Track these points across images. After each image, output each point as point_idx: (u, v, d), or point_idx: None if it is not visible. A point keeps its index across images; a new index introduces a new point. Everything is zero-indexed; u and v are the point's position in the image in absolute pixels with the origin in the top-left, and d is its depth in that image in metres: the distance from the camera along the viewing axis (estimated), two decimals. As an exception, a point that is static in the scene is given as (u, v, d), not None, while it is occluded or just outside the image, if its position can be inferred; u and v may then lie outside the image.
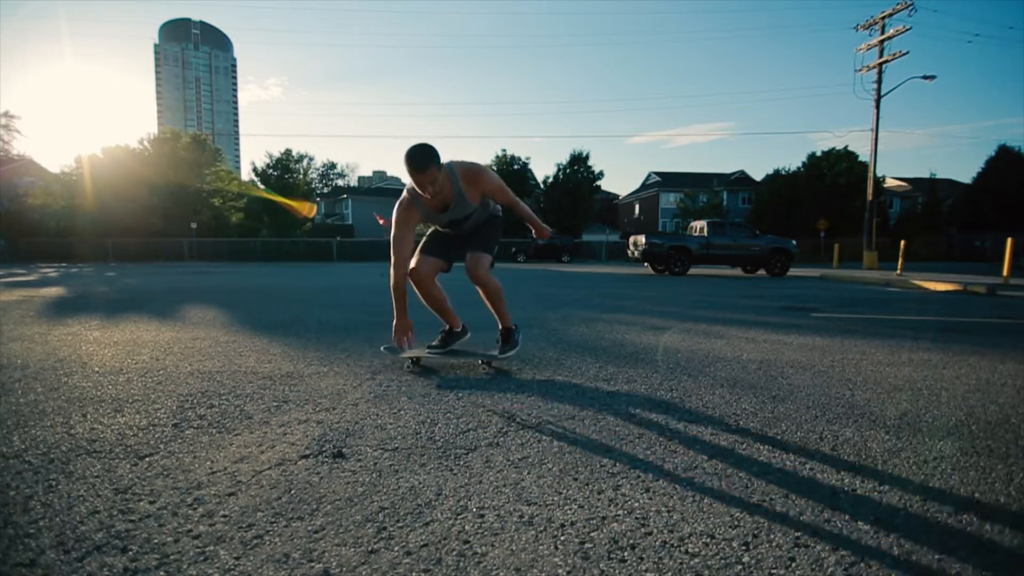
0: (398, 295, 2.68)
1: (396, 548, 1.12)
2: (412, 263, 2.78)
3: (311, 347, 3.37)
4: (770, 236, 15.04)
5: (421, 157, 2.42)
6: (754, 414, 2.06)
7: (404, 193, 2.71)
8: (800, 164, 37.53)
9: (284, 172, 35.78)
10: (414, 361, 2.90)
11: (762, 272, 14.72)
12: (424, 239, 2.93)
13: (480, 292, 2.88)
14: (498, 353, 2.89)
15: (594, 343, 3.62)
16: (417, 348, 2.93)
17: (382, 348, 3.03)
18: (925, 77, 18.66)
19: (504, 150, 38.90)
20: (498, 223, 2.99)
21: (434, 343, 3.03)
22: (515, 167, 37.86)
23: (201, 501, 1.32)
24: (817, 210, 32.02)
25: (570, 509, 1.30)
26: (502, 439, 1.77)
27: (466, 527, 1.21)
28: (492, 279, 2.84)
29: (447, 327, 3.06)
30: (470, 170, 2.67)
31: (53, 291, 7.95)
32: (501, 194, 2.80)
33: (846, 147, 36.41)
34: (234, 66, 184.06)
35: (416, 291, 2.85)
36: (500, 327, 2.99)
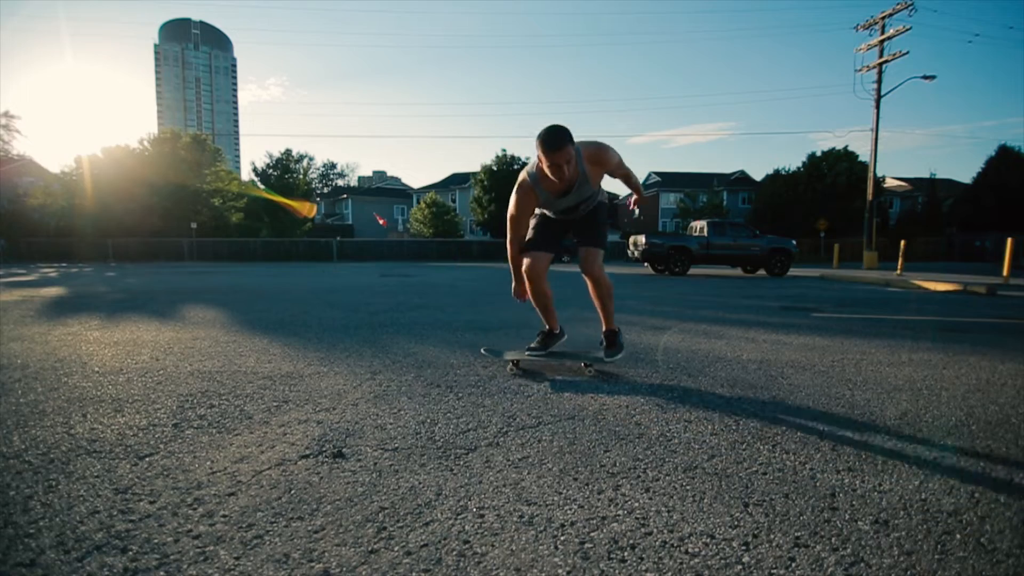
0: (515, 266, 2.73)
1: (396, 548, 1.12)
2: (527, 260, 2.69)
3: (311, 347, 3.37)
4: (770, 236, 15.03)
5: (558, 136, 2.30)
6: (754, 414, 2.06)
7: (523, 176, 2.56)
8: (800, 164, 37.55)
9: (284, 172, 35.81)
10: (515, 363, 2.84)
11: (762, 272, 14.72)
12: (533, 231, 2.76)
13: (590, 288, 2.76)
14: (604, 356, 2.76)
15: (594, 343, 3.62)
16: (516, 351, 2.93)
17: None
18: (925, 77, 18.66)
19: (504, 150, 38.94)
20: (605, 211, 2.83)
21: (533, 345, 2.94)
22: (515, 167, 37.86)
23: (201, 501, 1.32)
24: (817, 210, 32.03)
25: (570, 509, 1.30)
26: (502, 439, 1.77)
27: (466, 527, 1.21)
28: (606, 276, 2.71)
29: (546, 328, 2.94)
30: (596, 150, 2.51)
31: (53, 291, 7.95)
32: (621, 168, 2.68)
33: (846, 147, 36.43)
34: (234, 66, 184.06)
35: (528, 286, 2.74)
36: (604, 328, 2.83)
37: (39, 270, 16.25)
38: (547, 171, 2.39)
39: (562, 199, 2.59)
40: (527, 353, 2.87)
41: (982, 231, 32.50)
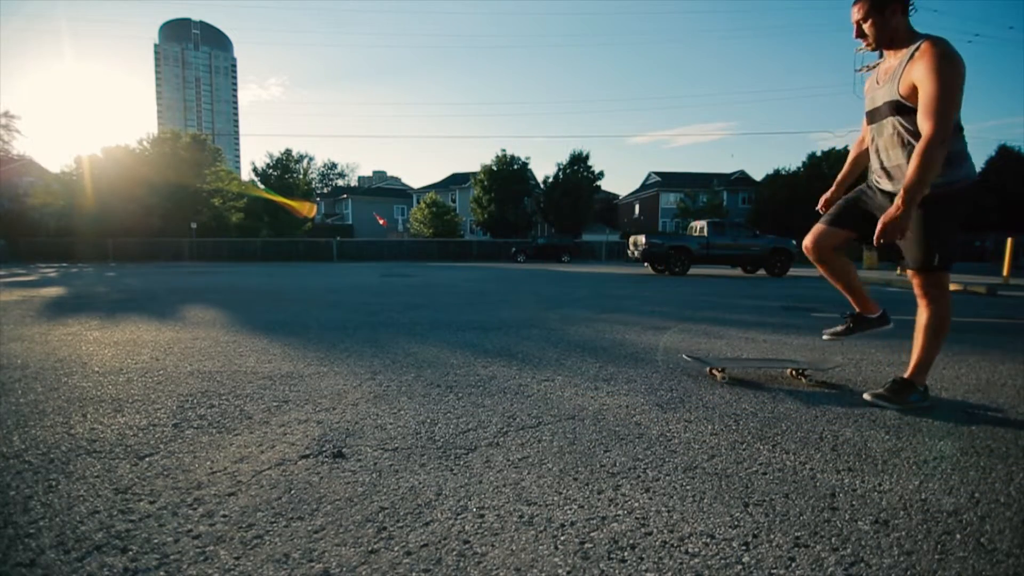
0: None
1: (396, 548, 1.12)
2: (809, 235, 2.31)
3: (311, 347, 3.37)
4: (770, 236, 15.02)
5: None
6: (754, 414, 2.06)
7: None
8: (800, 164, 37.56)
9: (284, 172, 35.81)
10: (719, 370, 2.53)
11: (762, 272, 14.72)
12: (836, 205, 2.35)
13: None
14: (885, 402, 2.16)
15: (594, 343, 3.62)
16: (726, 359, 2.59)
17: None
18: (925, 77, 18.62)
19: (504, 150, 38.94)
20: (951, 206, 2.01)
21: (838, 329, 2.53)
22: (515, 167, 37.88)
23: (201, 501, 1.32)
24: (817, 210, 32.00)
25: (570, 509, 1.30)
26: (502, 439, 1.77)
27: (466, 527, 1.21)
28: (943, 307, 2.10)
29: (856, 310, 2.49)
30: (932, 48, 1.84)
31: (53, 291, 7.95)
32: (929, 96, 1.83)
33: (846, 147, 36.39)
34: (234, 66, 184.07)
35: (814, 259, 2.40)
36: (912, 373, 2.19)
37: (39, 270, 16.25)
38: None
39: (876, 90, 2.07)
40: (828, 336, 2.51)
41: (982, 231, 32.49)
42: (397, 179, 64.21)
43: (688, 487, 1.42)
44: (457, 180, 51.91)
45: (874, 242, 1.93)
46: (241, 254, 30.32)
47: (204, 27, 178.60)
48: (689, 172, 50.52)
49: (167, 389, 2.35)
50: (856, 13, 1.98)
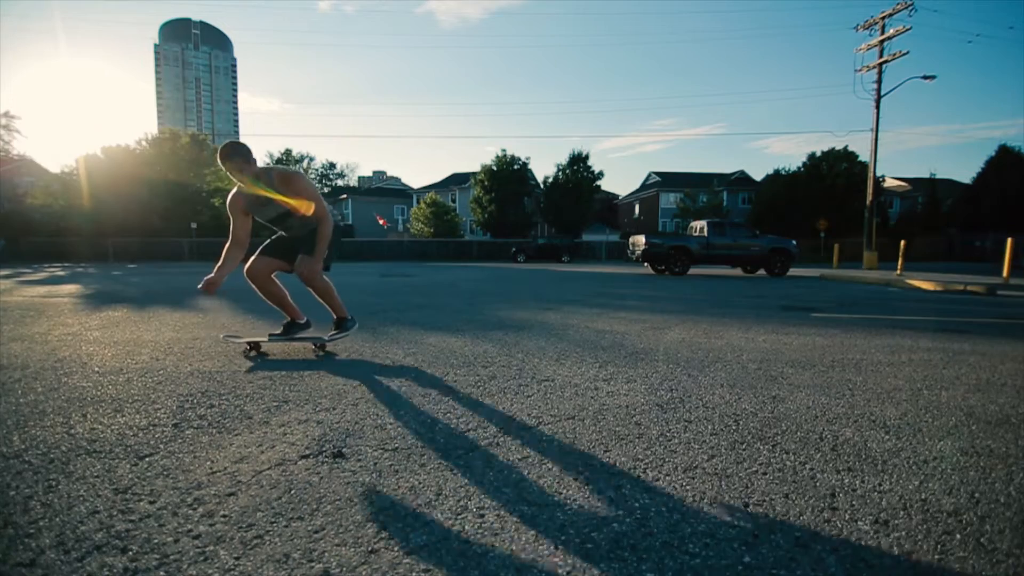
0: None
1: (396, 548, 1.12)
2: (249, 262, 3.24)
3: (311, 347, 3.37)
4: (770, 236, 15.01)
5: (230, 149, 2.87)
6: (754, 414, 2.06)
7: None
8: (800, 164, 37.55)
9: (284, 172, 35.74)
10: (252, 346, 3.23)
11: (762, 272, 14.72)
12: (267, 241, 3.30)
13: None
14: (328, 337, 3.27)
15: (594, 343, 3.62)
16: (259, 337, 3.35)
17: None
18: (925, 77, 18.65)
19: (504, 150, 38.91)
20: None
21: (277, 332, 3.37)
22: (515, 167, 37.86)
23: (201, 501, 1.32)
24: (817, 210, 32.00)
25: (570, 509, 1.30)
26: (502, 439, 1.77)
27: (466, 527, 1.21)
28: (322, 279, 3.22)
29: (287, 319, 3.41)
30: (282, 172, 2.99)
31: (72, 288, 7.95)
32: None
33: (846, 147, 36.42)
34: (234, 66, 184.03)
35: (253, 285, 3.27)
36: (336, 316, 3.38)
37: (44, 269, 16.25)
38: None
39: (262, 208, 3.06)
40: (269, 338, 3.30)
41: (982, 231, 32.48)
42: (397, 179, 64.20)
43: (688, 487, 1.42)
44: (457, 180, 51.90)
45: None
46: (241, 254, 30.27)
47: (204, 27, 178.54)
48: (689, 172, 50.51)
49: (167, 389, 2.35)
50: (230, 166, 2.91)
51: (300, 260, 3.11)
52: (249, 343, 3.22)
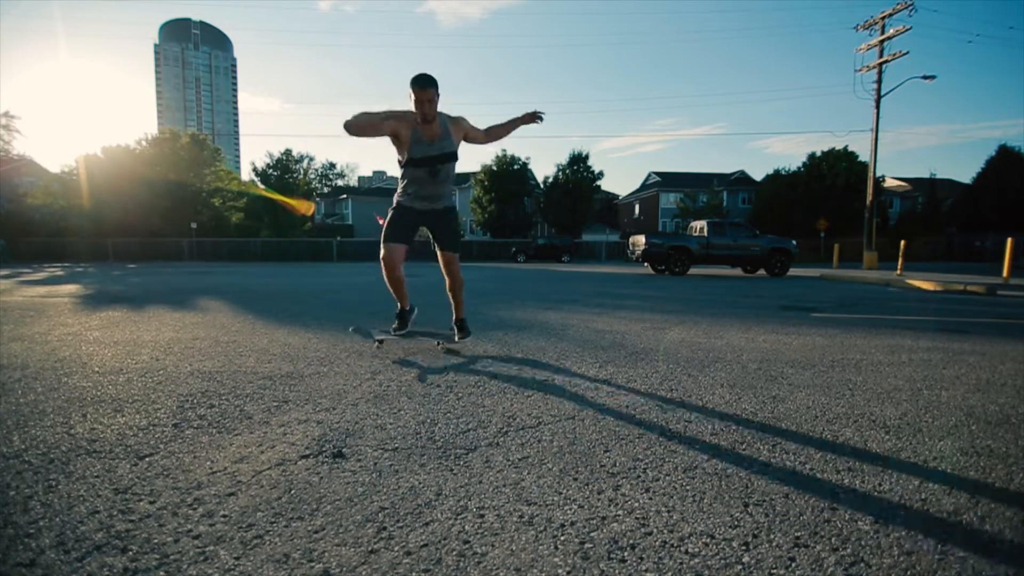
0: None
1: (396, 548, 1.12)
2: (383, 251, 3.23)
3: (311, 347, 3.37)
4: (770, 236, 15.02)
5: (429, 78, 2.88)
6: (754, 414, 2.06)
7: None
8: (800, 164, 37.55)
9: (284, 172, 35.82)
10: (379, 343, 3.33)
11: (762, 272, 14.72)
12: (389, 225, 3.31)
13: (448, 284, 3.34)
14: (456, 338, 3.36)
15: (594, 343, 3.62)
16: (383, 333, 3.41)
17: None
18: (925, 77, 18.65)
19: (504, 150, 38.79)
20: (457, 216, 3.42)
21: (395, 325, 3.40)
22: (515, 167, 37.84)
23: (201, 501, 1.32)
24: (817, 210, 32.02)
25: (570, 509, 1.30)
26: (502, 439, 1.77)
27: (466, 527, 1.21)
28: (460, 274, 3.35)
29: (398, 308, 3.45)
30: (457, 116, 3.11)
31: (72, 288, 7.95)
32: (476, 129, 3.23)
33: (846, 147, 36.42)
34: (234, 66, 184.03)
35: (384, 273, 3.29)
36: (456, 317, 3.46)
37: (44, 269, 16.25)
38: (417, 111, 2.90)
39: (428, 147, 3.03)
40: (395, 333, 3.36)
41: (982, 231, 32.48)
42: (397, 179, 64.04)
43: (688, 487, 1.42)
44: (457, 180, 51.72)
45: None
46: (241, 254, 30.31)
47: (204, 27, 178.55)
48: (689, 172, 50.51)
49: (167, 389, 2.35)
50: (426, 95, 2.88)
51: (454, 255, 3.31)
52: (378, 339, 3.30)
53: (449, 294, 3.38)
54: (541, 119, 3.22)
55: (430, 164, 3.04)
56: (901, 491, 1.41)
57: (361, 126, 2.89)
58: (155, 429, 1.83)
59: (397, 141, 3.02)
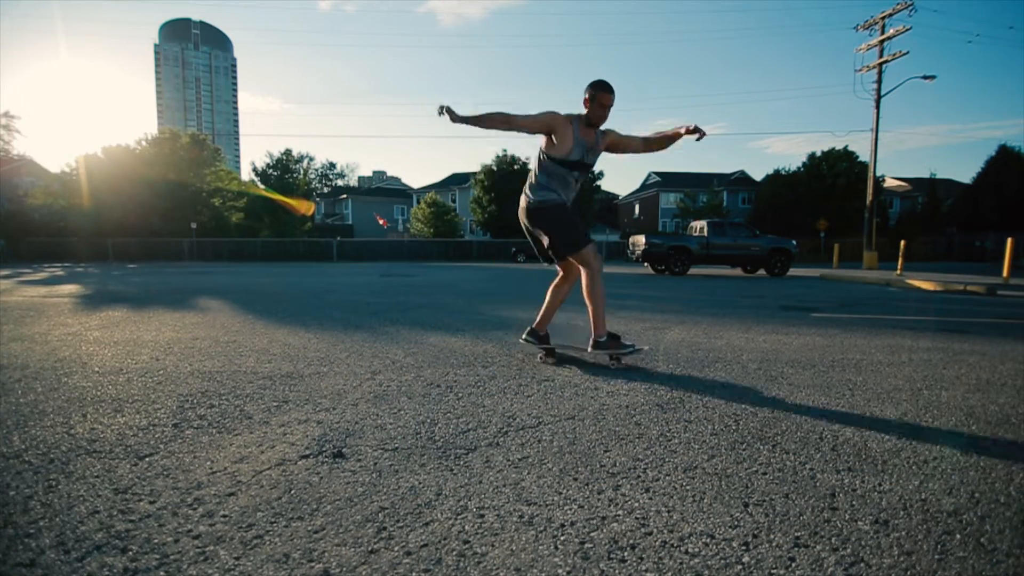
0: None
1: (396, 548, 1.12)
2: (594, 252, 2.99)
3: (311, 347, 3.37)
4: (770, 236, 15.02)
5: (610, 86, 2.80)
6: (754, 414, 2.06)
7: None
8: (800, 164, 37.55)
9: (284, 172, 35.84)
10: (548, 352, 3.14)
11: (762, 272, 14.72)
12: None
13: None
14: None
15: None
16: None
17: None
18: (925, 77, 18.65)
19: (504, 150, 38.87)
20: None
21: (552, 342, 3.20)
22: (515, 167, 37.85)
23: (201, 501, 1.32)
24: (817, 210, 32.02)
25: (570, 509, 1.30)
26: (502, 439, 1.77)
27: (466, 527, 1.21)
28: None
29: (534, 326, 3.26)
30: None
31: (72, 288, 7.95)
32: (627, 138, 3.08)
33: (846, 147, 36.43)
34: (234, 66, 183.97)
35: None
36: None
37: (44, 269, 16.25)
38: (592, 114, 2.80)
39: (586, 152, 2.88)
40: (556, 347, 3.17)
41: (982, 231, 32.48)
42: (397, 179, 64.21)
43: (688, 487, 1.42)
44: (457, 180, 51.88)
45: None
46: (241, 254, 30.31)
47: (204, 27, 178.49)
48: (689, 172, 50.49)
49: (167, 389, 2.35)
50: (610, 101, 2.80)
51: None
52: (545, 348, 3.12)
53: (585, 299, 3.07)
54: (703, 134, 2.97)
55: (582, 169, 2.91)
56: (901, 491, 1.41)
57: (519, 123, 2.77)
58: (155, 429, 1.83)
59: (556, 137, 2.82)
